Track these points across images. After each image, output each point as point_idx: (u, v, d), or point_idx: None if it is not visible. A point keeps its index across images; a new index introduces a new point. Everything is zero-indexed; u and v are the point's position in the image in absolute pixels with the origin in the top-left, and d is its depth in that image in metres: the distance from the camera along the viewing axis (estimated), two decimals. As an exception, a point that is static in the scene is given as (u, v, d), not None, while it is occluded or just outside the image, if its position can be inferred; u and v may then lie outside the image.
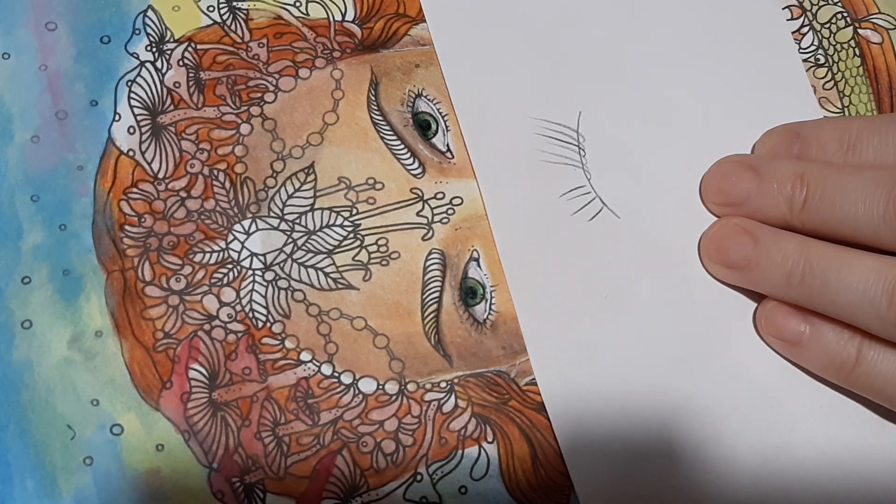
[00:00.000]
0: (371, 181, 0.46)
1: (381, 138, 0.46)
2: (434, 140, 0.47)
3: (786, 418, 0.44)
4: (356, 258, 0.45)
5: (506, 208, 0.46)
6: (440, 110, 0.47)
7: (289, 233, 0.44)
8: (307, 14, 0.47)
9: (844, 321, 0.43)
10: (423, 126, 0.47)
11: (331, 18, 0.47)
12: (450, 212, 0.46)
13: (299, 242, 0.44)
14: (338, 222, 0.45)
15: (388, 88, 0.47)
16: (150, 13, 0.46)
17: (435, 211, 0.46)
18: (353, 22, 0.47)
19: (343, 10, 0.47)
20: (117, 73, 0.45)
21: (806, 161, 0.45)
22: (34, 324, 0.43)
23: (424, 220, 0.45)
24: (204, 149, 0.45)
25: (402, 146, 0.46)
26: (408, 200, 0.46)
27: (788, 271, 0.43)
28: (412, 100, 0.47)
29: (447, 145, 0.46)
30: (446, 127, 0.47)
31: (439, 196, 0.46)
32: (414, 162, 0.46)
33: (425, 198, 0.46)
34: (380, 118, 0.46)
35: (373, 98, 0.47)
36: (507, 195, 0.46)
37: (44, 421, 0.42)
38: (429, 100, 0.47)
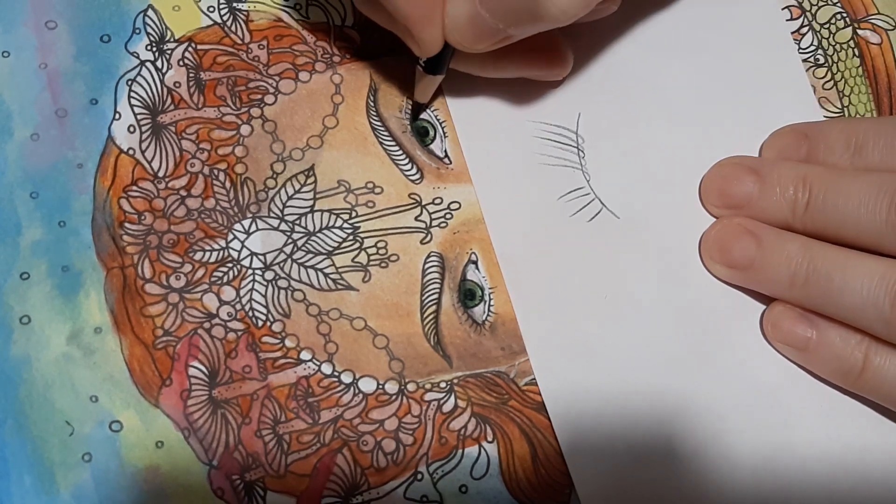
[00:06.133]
0: (370, 185, 0.49)
1: (380, 143, 0.49)
2: (432, 146, 0.50)
3: (786, 418, 0.47)
4: (355, 260, 0.48)
5: (504, 212, 0.49)
6: (438, 117, 0.50)
7: (289, 233, 0.47)
8: (307, 17, 0.51)
9: (849, 323, 0.46)
10: (421, 132, 0.50)
11: (330, 23, 0.51)
12: (448, 216, 0.49)
13: (299, 243, 0.47)
14: (337, 224, 0.48)
15: (386, 95, 0.50)
16: (150, 13, 0.49)
17: (433, 215, 0.49)
18: (352, 28, 0.51)
19: (343, 16, 0.51)
20: (117, 72, 0.48)
21: (807, 164, 0.48)
22: (32, 319, 0.45)
23: (423, 225, 0.49)
24: (204, 148, 0.48)
25: (400, 152, 0.50)
26: (406, 205, 0.49)
27: (792, 272, 0.46)
28: (410, 106, 0.50)
29: (445, 151, 0.50)
30: (444, 133, 0.50)
31: (437, 201, 0.49)
32: (412, 167, 0.49)
33: (423, 203, 0.49)
34: (379, 124, 0.50)
35: (372, 104, 0.50)
36: (505, 198, 0.49)
37: (42, 417, 0.44)
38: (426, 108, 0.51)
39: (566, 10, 0.42)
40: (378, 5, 0.44)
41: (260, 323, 0.46)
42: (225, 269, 0.47)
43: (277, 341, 0.46)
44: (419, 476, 0.45)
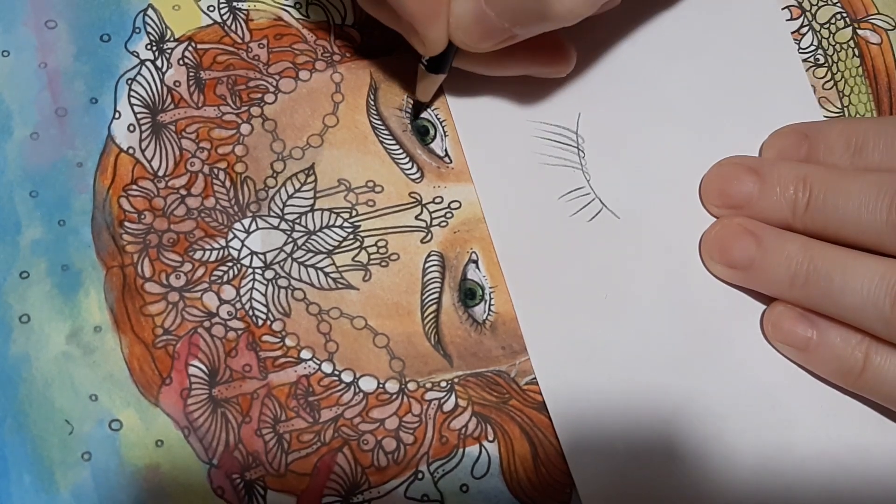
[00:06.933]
0: (370, 184, 0.49)
1: (381, 142, 0.50)
2: (432, 145, 0.50)
3: (786, 417, 0.47)
4: (356, 259, 0.48)
5: (505, 211, 0.49)
6: (438, 116, 0.51)
7: (289, 232, 0.48)
8: (307, 16, 0.51)
9: (849, 323, 0.46)
10: (422, 131, 0.50)
11: (331, 22, 0.51)
12: (448, 215, 0.49)
13: (299, 242, 0.48)
14: (338, 223, 0.48)
15: (387, 94, 0.50)
16: (150, 12, 0.49)
17: (433, 215, 0.49)
18: (352, 26, 0.51)
19: (343, 15, 0.51)
20: (117, 72, 0.49)
21: (808, 164, 0.48)
22: (32, 318, 0.45)
23: (423, 224, 0.49)
24: (204, 147, 0.48)
25: (400, 151, 0.50)
26: (406, 204, 0.49)
27: (792, 272, 0.46)
28: (410, 105, 0.51)
29: (445, 150, 0.50)
30: (444, 132, 0.50)
31: (437, 200, 0.49)
32: (412, 166, 0.50)
33: (424, 202, 0.49)
34: (379, 122, 0.50)
35: (372, 102, 0.50)
36: (506, 198, 0.49)
37: (42, 416, 0.44)
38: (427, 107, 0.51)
39: (573, 9, 0.42)
40: (382, 3, 0.45)
41: (260, 322, 0.47)
42: (225, 268, 0.47)
43: (278, 340, 0.46)
44: (420, 475, 0.46)
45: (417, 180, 0.49)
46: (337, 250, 0.48)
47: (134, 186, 0.47)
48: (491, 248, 0.49)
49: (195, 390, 0.45)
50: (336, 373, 0.46)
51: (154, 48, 0.49)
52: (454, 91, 0.51)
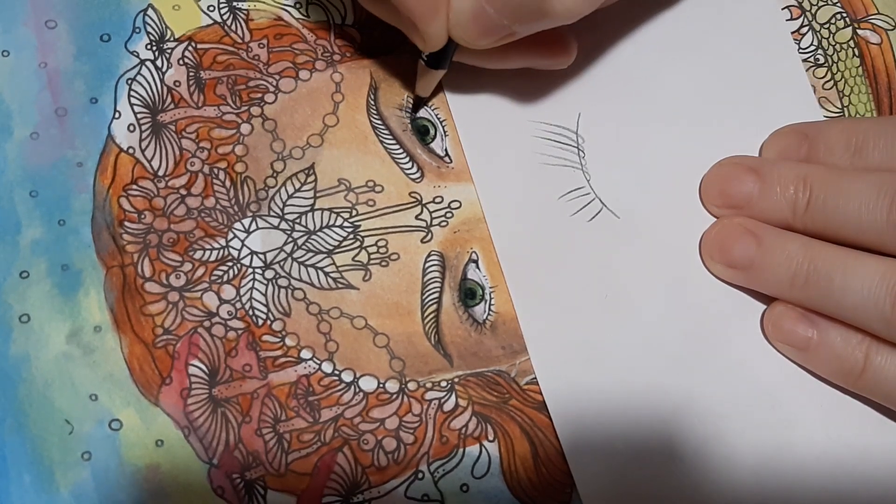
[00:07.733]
0: (370, 184, 0.49)
1: (381, 142, 0.50)
2: (432, 145, 0.50)
3: (786, 418, 0.47)
4: (356, 258, 0.48)
5: (505, 211, 0.49)
6: (438, 115, 0.51)
7: (289, 232, 0.48)
8: (307, 16, 0.51)
9: (850, 323, 0.46)
10: (422, 131, 0.50)
11: (331, 21, 0.51)
12: (448, 215, 0.49)
13: (299, 242, 0.48)
14: (338, 223, 0.48)
15: (387, 93, 0.51)
16: (150, 12, 0.49)
17: (433, 214, 0.49)
18: (352, 26, 0.51)
19: (343, 14, 0.51)
20: (117, 71, 0.49)
21: (808, 164, 0.48)
22: (32, 318, 0.45)
23: (423, 224, 0.49)
24: (204, 147, 0.48)
25: (400, 150, 0.50)
26: (406, 204, 0.49)
27: (793, 272, 0.47)
28: (411, 104, 0.51)
29: (445, 150, 0.50)
30: (444, 132, 0.50)
31: (437, 200, 0.49)
32: (412, 166, 0.50)
33: (424, 202, 0.49)
34: (379, 122, 0.50)
35: (372, 102, 0.50)
36: (506, 198, 0.49)
37: (42, 415, 0.44)
38: (427, 105, 0.51)
39: (572, 7, 0.42)
40: (383, 0, 0.45)
41: (260, 322, 0.47)
42: (225, 268, 0.47)
43: (278, 340, 0.46)
44: (420, 475, 0.46)
45: (417, 180, 0.49)
46: (337, 250, 0.48)
47: (134, 186, 0.47)
48: (491, 248, 0.49)
49: (195, 390, 0.45)
50: (336, 372, 0.46)
51: (154, 48, 0.49)
52: (454, 91, 0.51)
